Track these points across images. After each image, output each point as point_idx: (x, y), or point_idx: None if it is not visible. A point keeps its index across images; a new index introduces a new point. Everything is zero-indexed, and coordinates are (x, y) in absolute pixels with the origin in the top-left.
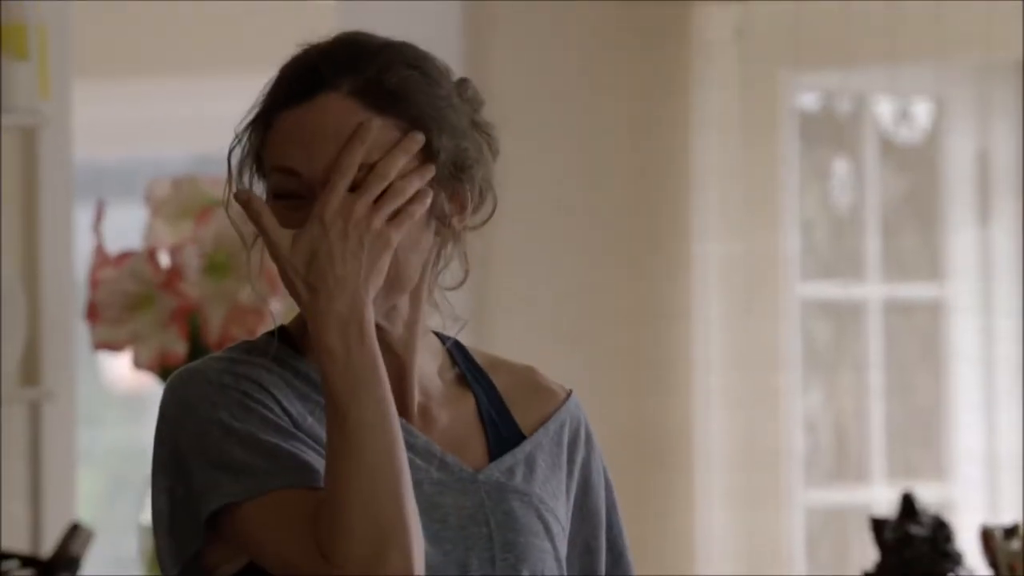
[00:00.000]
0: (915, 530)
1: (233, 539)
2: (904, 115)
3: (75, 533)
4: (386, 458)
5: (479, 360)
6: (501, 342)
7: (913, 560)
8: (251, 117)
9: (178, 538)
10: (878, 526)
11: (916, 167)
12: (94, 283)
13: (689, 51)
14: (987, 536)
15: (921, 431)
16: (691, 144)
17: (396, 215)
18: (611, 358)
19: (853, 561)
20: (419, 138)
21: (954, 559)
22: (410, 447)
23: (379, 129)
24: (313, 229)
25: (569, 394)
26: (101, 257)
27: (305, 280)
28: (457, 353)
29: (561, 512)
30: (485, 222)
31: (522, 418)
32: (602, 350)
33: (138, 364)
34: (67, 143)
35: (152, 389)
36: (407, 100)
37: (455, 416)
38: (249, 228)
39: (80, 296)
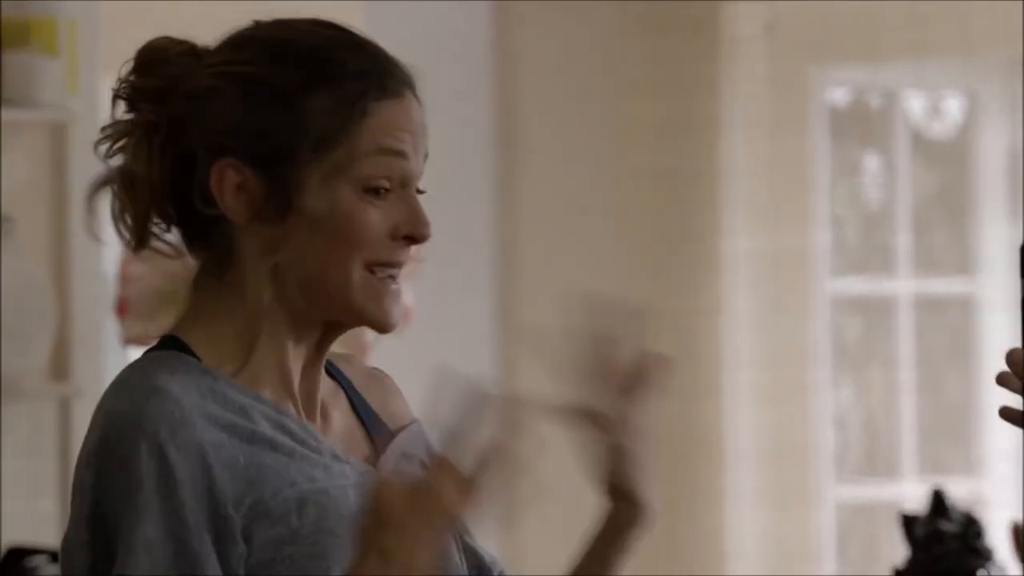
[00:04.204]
0: (945, 526)
1: None
2: (935, 110)
3: None
4: None
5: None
6: (529, 341)
7: (943, 556)
8: (341, 100)
9: None
10: (908, 522)
11: (947, 162)
12: (124, 278)
13: (718, 48)
14: (1017, 532)
15: (952, 427)
16: (721, 141)
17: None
18: None
19: (883, 557)
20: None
21: (984, 555)
22: (317, 451)
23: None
24: (399, 503)
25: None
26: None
27: (373, 536)
28: None
29: None
30: None
31: (380, 409)
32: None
33: None
34: (96, 138)
35: None
36: None
37: (341, 413)
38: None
39: (110, 291)
